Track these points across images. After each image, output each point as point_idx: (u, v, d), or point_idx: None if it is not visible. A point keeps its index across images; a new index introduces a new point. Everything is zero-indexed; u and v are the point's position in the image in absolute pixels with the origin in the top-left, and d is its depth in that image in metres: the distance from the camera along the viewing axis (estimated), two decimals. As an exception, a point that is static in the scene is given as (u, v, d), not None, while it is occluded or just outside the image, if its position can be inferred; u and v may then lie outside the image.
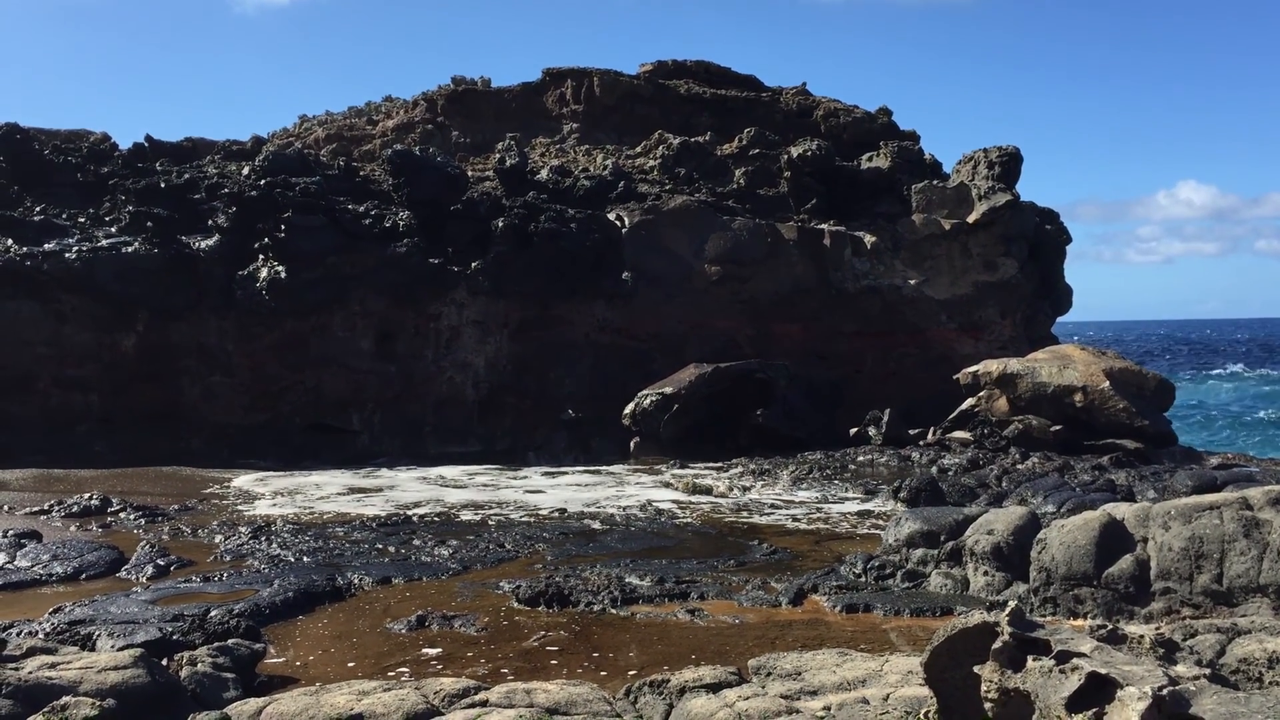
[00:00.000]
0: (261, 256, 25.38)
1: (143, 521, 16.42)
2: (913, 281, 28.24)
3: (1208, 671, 5.54)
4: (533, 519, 16.67)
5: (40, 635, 9.48)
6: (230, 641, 9.08)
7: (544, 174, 29.60)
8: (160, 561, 13.20)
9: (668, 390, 23.94)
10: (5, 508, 17.51)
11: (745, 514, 17.17)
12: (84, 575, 12.81)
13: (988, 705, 5.54)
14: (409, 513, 17.16)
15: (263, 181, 26.29)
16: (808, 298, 27.87)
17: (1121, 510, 10.83)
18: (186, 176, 27.28)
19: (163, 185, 26.55)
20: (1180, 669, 5.42)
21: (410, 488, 20.31)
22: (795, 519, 16.70)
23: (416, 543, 14.60)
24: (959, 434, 23.32)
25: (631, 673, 8.80)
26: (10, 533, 14.54)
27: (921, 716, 6.19)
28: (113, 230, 25.55)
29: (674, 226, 27.47)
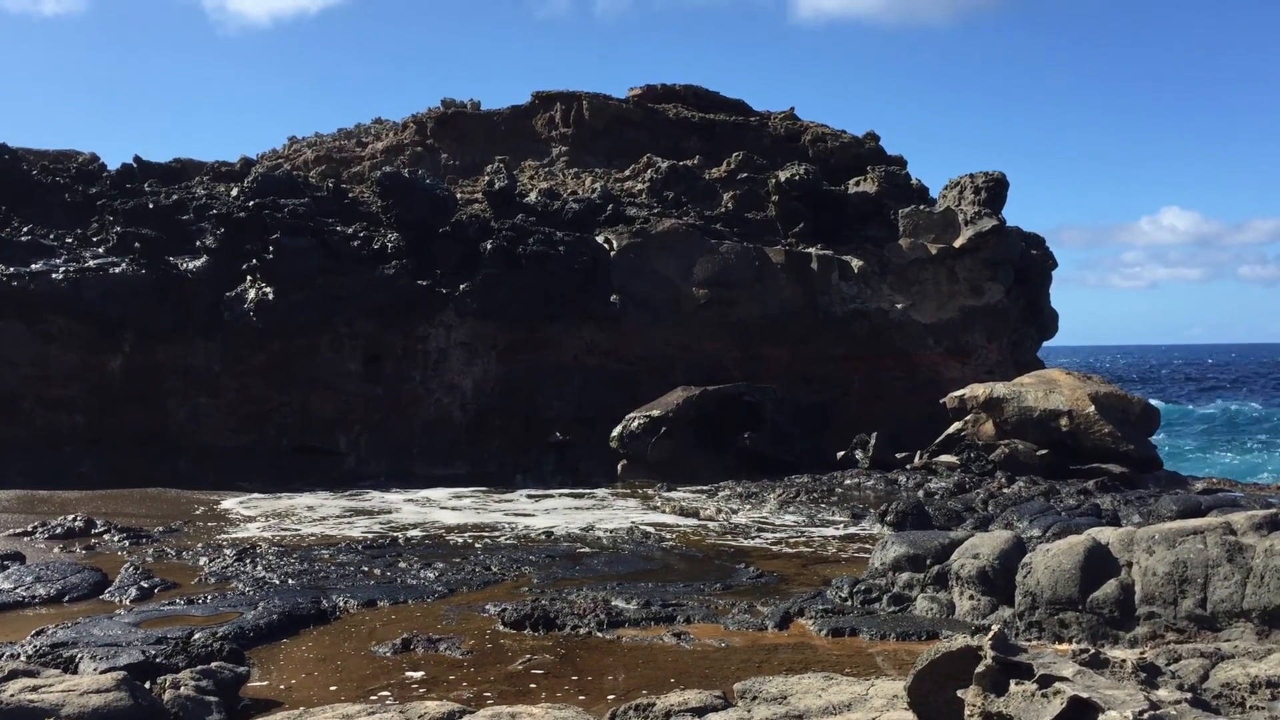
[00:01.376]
0: (249, 278, 25.37)
1: (127, 543, 16.35)
2: (899, 305, 28.36)
3: (1189, 696, 5.56)
4: (519, 542, 16.64)
5: (22, 658, 9.42)
6: (214, 664, 9.03)
7: (533, 196, 29.69)
8: (144, 584, 13.13)
9: (655, 413, 23.96)
10: (-12, 529, 17.41)
11: (732, 537, 17.17)
12: (67, 597, 12.74)
13: (971, 729, 5.55)
14: (395, 535, 17.11)
15: (251, 203, 26.30)
16: (795, 321, 27.95)
17: (1106, 534, 10.86)
18: (175, 197, 27.28)
19: (151, 206, 26.55)
20: (1162, 693, 5.44)
21: (397, 510, 20.26)
22: (782, 542, 16.70)
23: (402, 565, 14.56)
24: (945, 458, 23.37)
25: (615, 696, 8.79)
26: (-7, 554, 14.46)
27: (905, 741, 6.20)
28: (100, 251, 25.52)
29: (662, 249, 27.56)
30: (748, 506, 20.20)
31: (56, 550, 15.85)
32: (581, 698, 8.87)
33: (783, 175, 29.81)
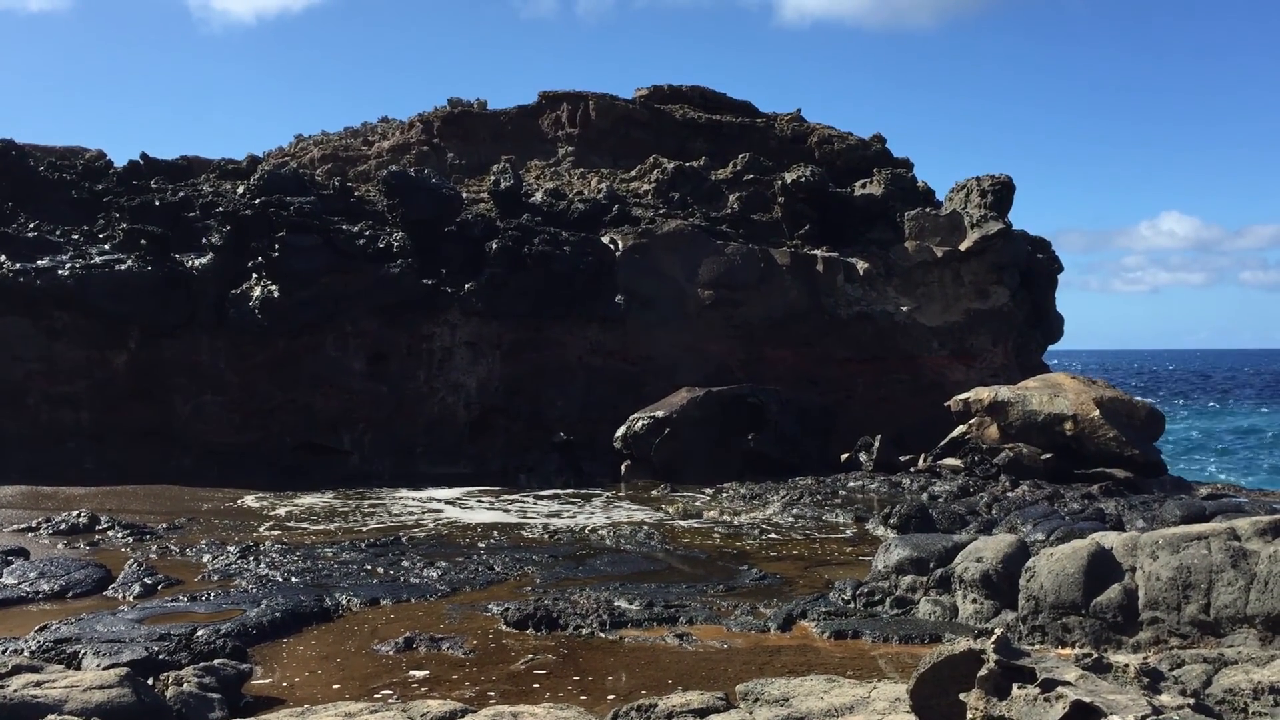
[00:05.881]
0: (255, 275, 25.39)
1: (131, 540, 16.37)
2: (905, 308, 28.34)
3: (1192, 701, 5.56)
4: (522, 541, 16.64)
5: (26, 653, 9.43)
6: (216, 661, 9.05)
7: (538, 196, 29.69)
8: (148, 580, 13.15)
9: (659, 414, 23.95)
10: (-7, 524, 17.44)
11: (735, 538, 17.16)
12: (71, 593, 12.76)
13: (973, 733, 5.55)
14: (399, 534, 17.12)
15: (257, 200, 26.32)
16: (800, 323, 27.94)
17: (1110, 539, 10.85)
18: (181, 195, 27.30)
19: (157, 203, 26.58)
20: (1164, 698, 5.44)
21: (400, 508, 20.27)
22: (785, 544, 16.69)
23: (405, 564, 14.57)
24: (950, 461, 23.35)
25: (617, 697, 8.79)
26: (-3, 549, 14.48)
27: (907, 744, 6.19)
28: (106, 247, 25.54)
29: (667, 250, 27.56)
30: (751, 508, 20.20)
31: (60, 546, 15.88)
32: (583, 698, 8.87)
33: (789, 177, 29.80)
